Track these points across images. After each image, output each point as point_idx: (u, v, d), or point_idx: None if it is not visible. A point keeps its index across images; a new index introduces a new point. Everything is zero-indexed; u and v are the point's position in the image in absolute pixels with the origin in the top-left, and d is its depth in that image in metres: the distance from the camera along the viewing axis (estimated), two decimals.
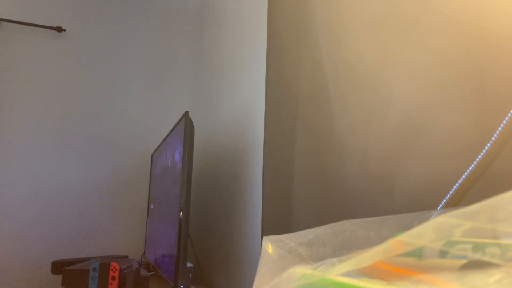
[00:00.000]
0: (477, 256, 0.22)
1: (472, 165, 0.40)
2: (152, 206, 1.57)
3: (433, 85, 0.52)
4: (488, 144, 0.39)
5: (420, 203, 0.51)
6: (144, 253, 1.70)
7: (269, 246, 0.38)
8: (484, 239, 0.22)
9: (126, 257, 1.62)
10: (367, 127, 0.62)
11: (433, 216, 0.37)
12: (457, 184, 0.42)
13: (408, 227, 0.32)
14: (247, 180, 1.13)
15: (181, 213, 0.99)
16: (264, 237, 0.40)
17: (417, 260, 0.29)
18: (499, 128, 0.38)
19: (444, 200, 0.43)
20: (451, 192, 0.42)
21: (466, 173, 0.41)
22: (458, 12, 0.49)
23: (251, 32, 1.22)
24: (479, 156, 0.39)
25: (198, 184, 1.64)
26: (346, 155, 0.65)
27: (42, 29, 1.78)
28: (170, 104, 1.98)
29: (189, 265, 1.25)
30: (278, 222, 0.84)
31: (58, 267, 1.37)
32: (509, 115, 0.37)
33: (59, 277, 1.61)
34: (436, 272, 0.25)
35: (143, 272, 1.16)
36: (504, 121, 0.37)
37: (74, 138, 1.79)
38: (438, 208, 0.44)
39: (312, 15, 0.78)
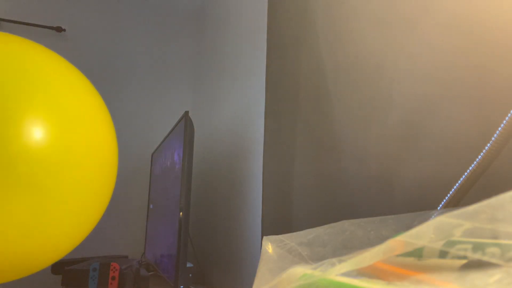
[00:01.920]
0: (477, 256, 0.22)
1: (472, 165, 0.40)
2: (151, 206, 1.57)
3: (433, 85, 0.52)
4: (488, 144, 0.39)
5: (420, 203, 0.51)
6: (144, 253, 1.70)
7: (269, 246, 0.38)
8: (484, 239, 0.22)
9: (126, 257, 1.62)
10: (367, 127, 0.62)
11: (433, 216, 0.37)
12: (457, 184, 0.42)
13: (408, 227, 0.32)
14: (247, 180, 1.13)
15: (181, 213, 0.99)
16: (264, 237, 0.40)
17: (417, 260, 0.29)
18: (499, 128, 0.38)
19: (444, 200, 0.43)
20: (451, 192, 0.42)
21: (466, 173, 0.41)
22: (459, 12, 0.49)
23: (251, 32, 1.22)
24: (479, 156, 0.39)
25: (198, 184, 1.63)
26: (346, 155, 0.65)
27: (42, 29, 1.78)
28: (170, 104, 1.98)
29: (189, 265, 1.25)
30: (278, 222, 0.84)
31: (58, 267, 1.37)
32: (509, 115, 0.37)
33: (59, 277, 1.61)
34: (436, 272, 0.25)
35: (143, 272, 1.16)
36: (504, 121, 0.37)
37: None
38: (438, 208, 0.44)
39: (312, 15, 0.78)
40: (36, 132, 0.63)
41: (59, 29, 1.80)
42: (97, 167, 0.74)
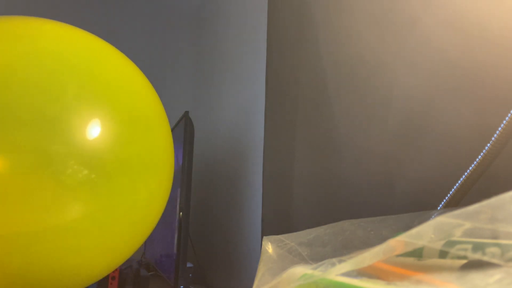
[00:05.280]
0: (477, 256, 0.22)
1: (472, 165, 0.40)
2: None
3: (433, 85, 0.52)
4: (488, 144, 0.39)
5: (420, 203, 0.51)
6: (144, 253, 1.70)
7: (269, 246, 0.38)
8: (484, 239, 0.22)
9: None
10: (367, 127, 0.62)
11: (433, 216, 0.37)
12: (457, 184, 0.42)
13: (408, 227, 0.32)
14: (247, 180, 1.13)
15: (181, 213, 0.99)
16: (264, 237, 0.40)
17: (417, 260, 0.29)
18: (499, 128, 0.38)
19: (444, 200, 0.43)
20: (451, 192, 0.42)
21: (466, 173, 0.41)
22: (459, 11, 0.49)
23: (251, 32, 1.22)
24: (479, 156, 0.39)
25: (198, 184, 1.63)
26: (346, 155, 0.65)
27: None
28: (170, 104, 1.98)
29: (189, 265, 1.25)
30: (278, 222, 0.84)
31: None
32: (509, 115, 0.37)
33: None
34: (436, 272, 0.25)
35: (143, 272, 1.16)
36: (504, 121, 0.37)
37: None
38: (438, 208, 0.44)
39: (312, 14, 0.78)
40: (93, 129, 0.55)
41: None
42: (158, 175, 0.67)
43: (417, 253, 0.29)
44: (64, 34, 0.66)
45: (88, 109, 0.56)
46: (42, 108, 0.52)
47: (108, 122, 0.58)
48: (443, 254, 0.26)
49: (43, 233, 0.52)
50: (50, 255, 0.54)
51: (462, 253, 0.23)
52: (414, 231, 0.23)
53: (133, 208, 0.62)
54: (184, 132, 1.03)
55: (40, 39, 0.62)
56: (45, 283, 0.57)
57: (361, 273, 0.28)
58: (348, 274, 0.26)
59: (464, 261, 0.24)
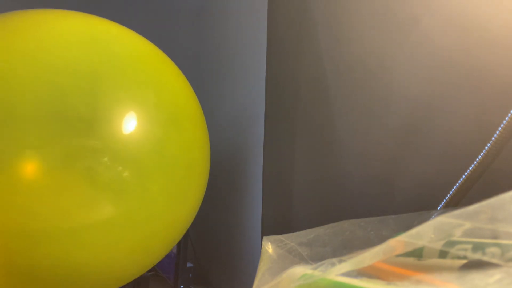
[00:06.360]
0: (477, 256, 0.22)
1: (472, 165, 0.40)
2: None
3: (433, 85, 0.52)
4: (488, 144, 0.39)
5: (420, 203, 0.51)
6: None
7: (269, 246, 0.38)
8: (484, 239, 0.22)
9: None
10: (367, 127, 0.62)
11: (433, 216, 0.37)
12: (457, 184, 0.42)
13: (408, 227, 0.32)
14: (247, 180, 1.13)
15: None
16: (264, 237, 0.40)
17: (417, 260, 0.29)
18: (499, 128, 0.38)
19: (444, 200, 0.43)
20: (451, 192, 0.42)
21: (466, 173, 0.41)
22: (459, 11, 0.49)
23: (251, 32, 1.23)
24: (479, 156, 0.39)
25: None
26: (346, 155, 0.65)
27: None
28: None
29: (189, 265, 1.25)
30: (278, 222, 0.84)
31: None
32: (509, 115, 0.37)
33: None
34: (436, 272, 0.25)
35: None
36: (504, 121, 0.37)
37: None
38: (438, 208, 0.45)
39: (312, 15, 0.78)
40: (129, 126, 0.53)
41: None
42: (192, 174, 0.65)
43: (417, 253, 0.29)
44: (99, 26, 0.65)
45: (126, 104, 0.54)
46: (76, 102, 0.50)
47: (145, 119, 0.55)
48: (443, 254, 0.26)
49: (73, 231, 0.50)
50: (81, 254, 0.52)
51: (462, 253, 0.23)
52: (414, 231, 0.23)
53: (167, 208, 0.59)
54: None
55: (77, 33, 0.60)
56: (75, 283, 0.55)
57: (361, 273, 0.28)
58: (348, 274, 0.26)
59: (464, 261, 0.25)
